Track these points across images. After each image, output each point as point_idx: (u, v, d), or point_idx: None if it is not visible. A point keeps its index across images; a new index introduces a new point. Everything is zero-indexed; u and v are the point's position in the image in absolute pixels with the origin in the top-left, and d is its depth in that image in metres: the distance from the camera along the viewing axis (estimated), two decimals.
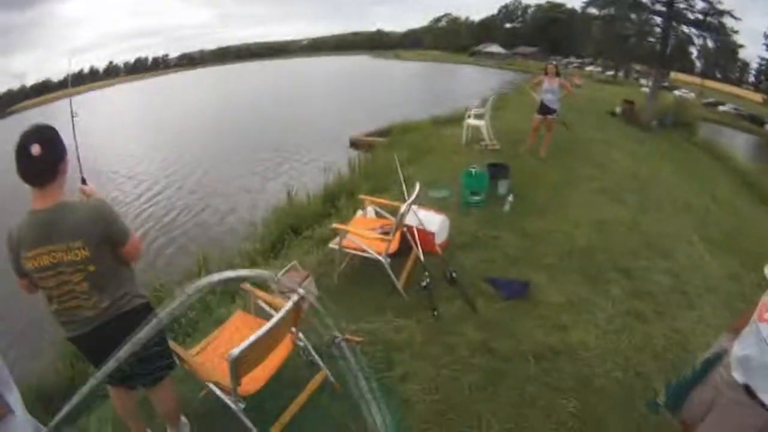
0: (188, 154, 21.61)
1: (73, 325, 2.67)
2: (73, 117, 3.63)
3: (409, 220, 5.43)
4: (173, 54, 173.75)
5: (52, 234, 2.42)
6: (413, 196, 4.78)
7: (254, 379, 3.02)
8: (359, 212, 6.09)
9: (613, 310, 4.64)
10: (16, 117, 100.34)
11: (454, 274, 5.02)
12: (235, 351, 2.55)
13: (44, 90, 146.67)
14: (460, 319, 4.47)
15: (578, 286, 5.08)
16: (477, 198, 7.29)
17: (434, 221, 5.75)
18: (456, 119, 15.47)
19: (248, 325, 3.59)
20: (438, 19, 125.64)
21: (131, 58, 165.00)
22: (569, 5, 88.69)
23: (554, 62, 10.62)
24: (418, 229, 5.48)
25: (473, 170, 7.53)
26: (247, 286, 3.91)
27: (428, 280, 4.83)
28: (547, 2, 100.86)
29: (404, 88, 44.46)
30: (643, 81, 42.19)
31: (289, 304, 2.92)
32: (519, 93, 20.65)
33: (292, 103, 37.96)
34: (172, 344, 3.14)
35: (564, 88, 9.88)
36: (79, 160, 3.21)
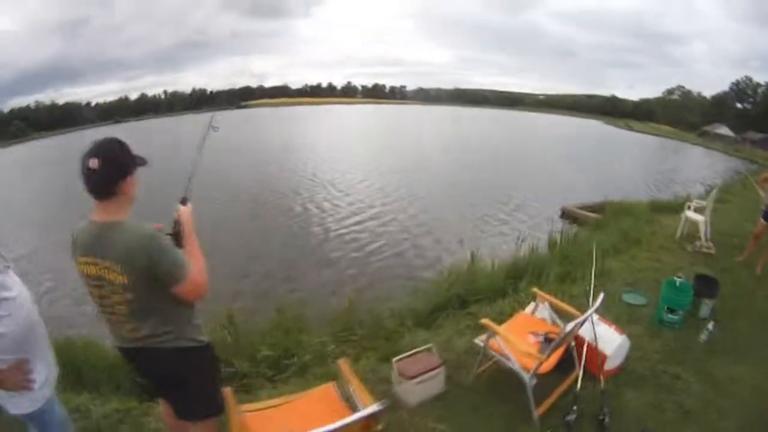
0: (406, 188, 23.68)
1: (112, 336, 2.78)
2: (211, 129, 3.35)
3: (583, 330, 4.91)
4: (410, 86, 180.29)
5: (100, 248, 2.46)
6: (596, 305, 4.25)
7: None
8: (530, 306, 5.63)
9: None
10: (247, 111, 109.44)
11: (606, 418, 4.28)
12: None
13: (282, 93, 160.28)
14: None
15: None
16: (674, 317, 6.60)
17: (612, 341, 5.11)
18: (675, 206, 15.25)
19: (329, 406, 3.40)
20: (671, 92, 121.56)
21: (369, 83, 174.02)
22: None
23: None
24: (589, 345, 4.91)
25: (678, 280, 7.09)
26: (344, 365, 3.67)
27: (575, 415, 4.27)
28: None
29: (630, 163, 43.85)
30: None
31: (360, 414, 2.68)
32: (744, 187, 19.17)
33: (518, 157, 39.93)
34: (226, 391, 3.12)
35: None
36: (189, 180, 3.07)
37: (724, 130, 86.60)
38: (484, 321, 4.53)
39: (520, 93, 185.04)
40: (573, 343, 4.83)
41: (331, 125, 73.34)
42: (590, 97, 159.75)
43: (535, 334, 4.73)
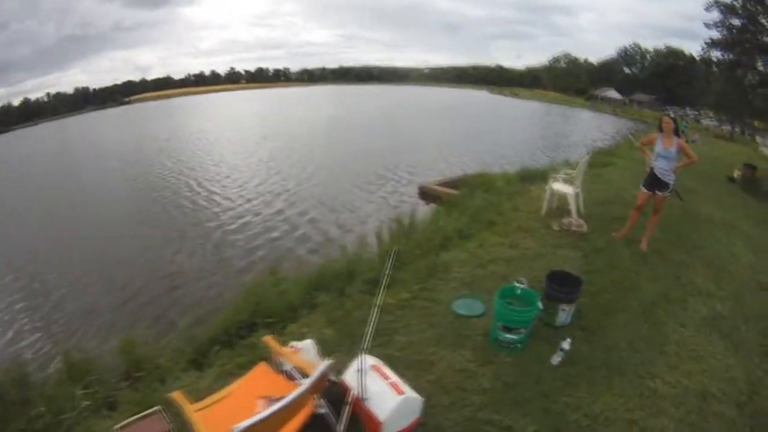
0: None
1: None
2: None
3: (356, 381, 3.70)
4: (294, 68, 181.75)
5: None
6: (316, 374, 3.07)
7: None
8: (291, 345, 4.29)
9: None
10: (131, 107, 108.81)
11: None
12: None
13: (165, 85, 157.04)
14: None
15: None
16: (512, 337, 4.80)
17: (386, 402, 3.65)
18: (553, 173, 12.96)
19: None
20: (557, 59, 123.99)
21: (252, 68, 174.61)
22: (689, 52, 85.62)
23: (671, 114, 7.99)
24: (356, 402, 3.68)
25: (518, 287, 5.13)
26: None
27: None
28: (666, 47, 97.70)
29: (515, 128, 43.65)
30: (759, 139, 38.02)
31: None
32: (631, 147, 17.35)
33: (398, 133, 38.47)
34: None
35: (685, 155, 7.08)
36: None
37: (612, 93, 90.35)
38: (175, 394, 3.48)
39: (405, 68, 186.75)
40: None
41: (209, 115, 71.67)
42: (476, 68, 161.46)
43: (269, 399, 3.34)
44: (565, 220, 8.58)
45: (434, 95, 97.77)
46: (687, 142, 8.09)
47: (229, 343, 5.59)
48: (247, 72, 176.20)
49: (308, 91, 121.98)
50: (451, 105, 73.06)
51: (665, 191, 7.28)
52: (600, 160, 16.45)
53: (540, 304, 4.93)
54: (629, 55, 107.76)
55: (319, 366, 2.92)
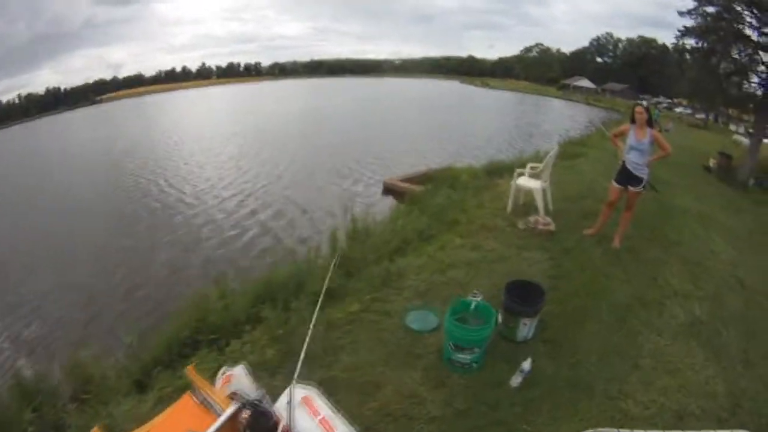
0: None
1: None
2: None
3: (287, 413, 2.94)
4: (266, 62, 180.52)
5: None
6: (289, 393, 2.77)
7: None
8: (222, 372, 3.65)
9: None
10: (104, 106, 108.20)
11: None
12: None
13: (136, 83, 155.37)
14: None
15: None
16: (466, 357, 4.26)
17: None
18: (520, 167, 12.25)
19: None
20: (529, 49, 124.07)
21: (224, 63, 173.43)
22: (662, 41, 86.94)
23: (645, 102, 7.57)
24: None
25: (473, 301, 4.55)
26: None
27: None
28: (639, 37, 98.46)
29: (486, 119, 43.33)
30: (732, 127, 37.95)
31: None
32: (602, 137, 16.83)
33: (368, 126, 37.94)
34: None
35: (659, 146, 6.55)
36: None
37: (584, 83, 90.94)
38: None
39: (377, 60, 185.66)
40: None
41: (179, 112, 70.67)
42: (447, 59, 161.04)
43: None
44: (531, 219, 7.94)
45: (406, 87, 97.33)
46: (660, 131, 7.53)
47: (171, 363, 5.22)
48: (218, 67, 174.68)
49: (279, 85, 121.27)
50: (421, 96, 73.04)
51: (638, 186, 6.72)
52: (571, 150, 15.88)
53: (499, 317, 4.45)
54: (602, 45, 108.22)
55: (230, 407, 2.64)
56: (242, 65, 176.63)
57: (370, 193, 16.23)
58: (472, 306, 4.51)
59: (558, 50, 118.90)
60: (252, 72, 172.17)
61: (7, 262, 12.41)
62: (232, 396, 3.08)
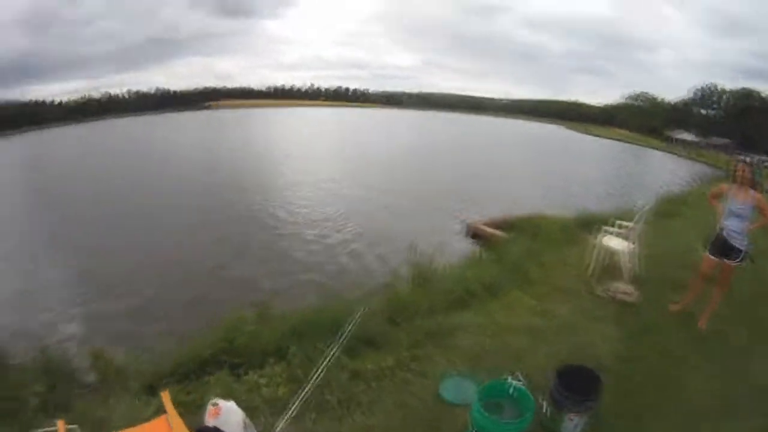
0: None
1: None
2: None
3: None
4: (374, 89, 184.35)
5: None
6: None
7: None
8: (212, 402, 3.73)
9: None
10: (212, 113, 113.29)
11: None
12: None
13: (245, 95, 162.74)
14: None
15: None
16: None
17: None
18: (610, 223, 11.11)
19: None
20: (633, 98, 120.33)
21: (332, 85, 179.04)
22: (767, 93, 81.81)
23: (747, 160, 6.34)
24: None
25: (512, 384, 3.82)
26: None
27: None
28: (743, 88, 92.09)
29: (586, 167, 41.44)
30: None
31: None
32: (702, 195, 15.26)
33: (468, 164, 37.65)
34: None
35: (761, 212, 5.54)
36: None
37: (687, 136, 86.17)
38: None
39: (482, 98, 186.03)
40: None
41: (289, 129, 73.91)
42: (552, 102, 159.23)
43: None
44: (612, 286, 7.04)
45: (508, 127, 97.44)
46: (764, 193, 6.46)
47: (187, 376, 5.17)
48: (327, 89, 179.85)
49: (386, 113, 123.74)
50: (523, 139, 72.34)
51: (736, 259, 5.72)
52: (667, 208, 14.54)
53: (544, 403, 3.78)
54: (705, 96, 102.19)
55: None
56: (351, 90, 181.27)
57: (451, 234, 15.56)
58: (510, 390, 3.80)
59: (662, 99, 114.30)
60: (360, 98, 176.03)
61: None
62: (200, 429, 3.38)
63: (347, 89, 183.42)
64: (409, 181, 26.89)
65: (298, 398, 3.91)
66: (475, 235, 14.85)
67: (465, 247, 13.36)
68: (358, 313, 5.00)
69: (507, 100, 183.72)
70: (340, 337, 5.06)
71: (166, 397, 3.47)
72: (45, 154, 48.97)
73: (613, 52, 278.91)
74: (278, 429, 3.65)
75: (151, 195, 22.52)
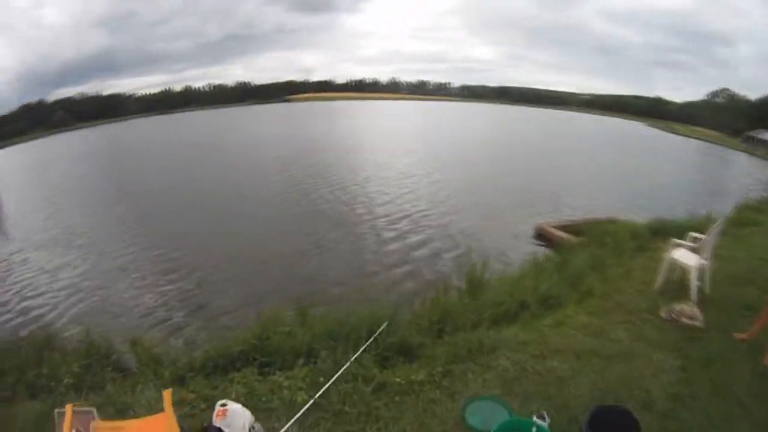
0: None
1: None
2: None
3: None
4: (455, 83, 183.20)
5: None
6: None
7: None
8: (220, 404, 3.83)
9: None
10: (289, 105, 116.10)
11: None
12: None
13: (325, 88, 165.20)
14: None
15: None
16: None
17: None
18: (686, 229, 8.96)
19: None
20: (715, 94, 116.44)
21: (414, 79, 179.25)
22: None
23: None
24: None
25: (535, 425, 3.43)
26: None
27: None
28: None
29: (669, 168, 39.30)
30: None
31: None
32: None
33: (546, 159, 37.74)
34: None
35: None
36: None
37: None
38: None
39: (564, 92, 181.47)
40: None
41: (369, 122, 76.20)
42: (637, 97, 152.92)
43: None
44: (677, 307, 6.32)
45: (590, 123, 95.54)
46: None
47: (214, 370, 5.29)
48: (408, 83, 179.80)
49: (467, 107, 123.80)
50: (608, 137, 70.03)
51: None
52: (745, 216, 13.10)
53: None
54: None
55: None
56: (432, 83, 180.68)
57: (518, 235, 15.18)
58: (533, 431, 3.42)
59: (744, 97, 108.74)
60: (441, 91, 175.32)
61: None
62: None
63: (428, 83, 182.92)
64: (485, 177, 26.79)
65: (306, 404, 4.01)
66: (541, 236, 14.40)
67: (530, 250, 12.82)
68: (386, 323, 5.09)
69: (588, 94, 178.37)
70: (366, 345, 4.96)
71: (167, 395, 3.51)
72: (130, 141, 51.71)
73: (693, 46, 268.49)
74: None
75: (230, 186, 23.80)
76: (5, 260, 14.41)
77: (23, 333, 7.88)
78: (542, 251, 12.24)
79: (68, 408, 3.28)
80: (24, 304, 11.00)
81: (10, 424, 4.35)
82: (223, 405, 3.73)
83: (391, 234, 15.47)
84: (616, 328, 6.06)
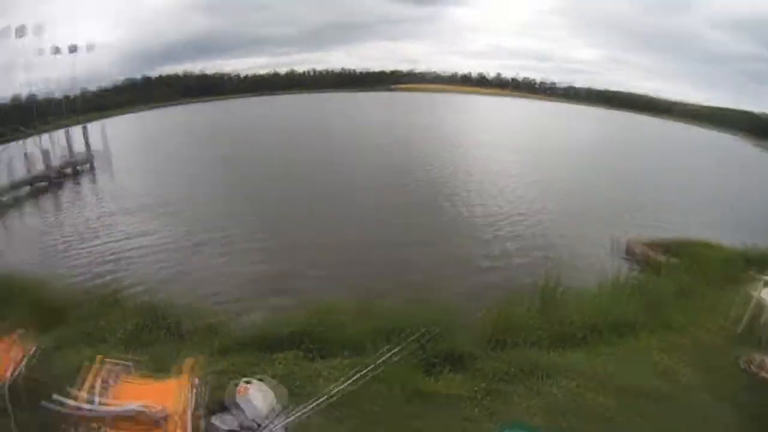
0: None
1: None
2: None
3: None
4: (560, 83, 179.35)
5: None
6: None
7: None
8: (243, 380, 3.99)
9: None
10: (393, 94, 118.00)
11: None
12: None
13: (429, 80, 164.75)
14: None
15: None
16: None
17: None
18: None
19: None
20: None
21: (519, 76, 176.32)
22: None
23: None
24: None
25: None
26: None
27: None
28: None
29: None
30: None
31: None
32: None
33: (651, 172, 34.73)
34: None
35: None
36: None
37: None
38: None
39: (670, 101, 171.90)
40: None
41: (475, 117, 76.31)
42: (744, 113, 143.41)
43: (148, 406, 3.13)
44: (757, 358, 5.68)
45: (697, 135, 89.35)
46: None
47: (260, 347, 5.50)
48: (513, 80, 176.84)
49: (572, 109, 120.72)
50: (715, 154, 65.99)
51: None
52: None
53: None
54: None
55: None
56: (538, 82, 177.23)
57: (607, 248, 14.33)
58: None
59: None
60: (546, 91, 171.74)
61: None
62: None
63: (533, 80, 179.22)
64: (584, 183, 25.91)
65: (318, 398, 3.91)
66: (630, 252, 13.66)
67: (615, 265, 11.96)
68: (438, 329, 4.98)
69: (698, 105, 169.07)
70: (400, 349, 4.75)
71: (188, 363, 3.63)
72: (237, 119, 53.30)
73: None
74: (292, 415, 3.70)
75: (336, 171, 23.96)
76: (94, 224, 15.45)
77: (95, 288, 8.47)
78: (627, 267, 11.79)
79: (98, 359, 3.48)
80: (100, 267, 11.66)
81: (61, 364, 4.55)
82: (248, 381, 3.81)
83: (486, 235, 15.25)
84: (685, 371, 5.57)
